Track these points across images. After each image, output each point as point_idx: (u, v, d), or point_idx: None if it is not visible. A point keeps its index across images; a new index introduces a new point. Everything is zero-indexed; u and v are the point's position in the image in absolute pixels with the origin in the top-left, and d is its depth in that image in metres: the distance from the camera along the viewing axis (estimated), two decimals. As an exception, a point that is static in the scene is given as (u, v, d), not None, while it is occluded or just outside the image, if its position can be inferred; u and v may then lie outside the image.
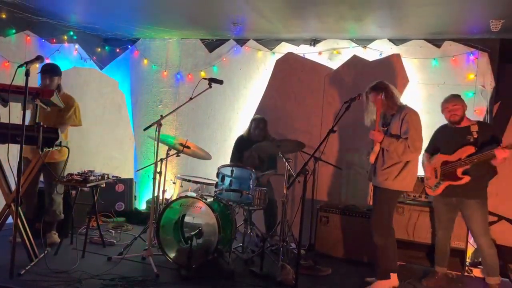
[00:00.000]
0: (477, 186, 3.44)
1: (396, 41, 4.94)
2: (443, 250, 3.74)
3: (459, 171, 3.44)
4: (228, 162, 4.85)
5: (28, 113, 3.40)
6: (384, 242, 3.37)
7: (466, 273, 4.05)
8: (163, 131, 3.85)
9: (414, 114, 3.34)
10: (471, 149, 3.40)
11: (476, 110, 4.56)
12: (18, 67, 3.05)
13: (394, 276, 3.43)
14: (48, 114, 3.82)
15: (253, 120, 4.75)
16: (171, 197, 5.34)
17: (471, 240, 4.15)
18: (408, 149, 3.23)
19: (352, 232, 4.30)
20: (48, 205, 4.07)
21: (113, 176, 4.17)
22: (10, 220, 3.35)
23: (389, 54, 4.87)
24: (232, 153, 4.82)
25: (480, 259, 4.20)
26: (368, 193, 4.68)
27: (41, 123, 3.17)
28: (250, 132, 4.70)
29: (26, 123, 3.09)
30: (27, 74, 2.97)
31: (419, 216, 4.17)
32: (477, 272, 4.04)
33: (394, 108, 3.41)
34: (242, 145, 4.70)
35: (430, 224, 4.13)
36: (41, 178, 4.17)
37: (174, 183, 4.93)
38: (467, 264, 4.13)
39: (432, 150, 3.74)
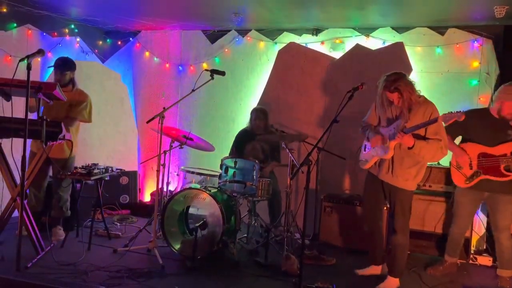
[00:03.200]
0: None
1: (399, 29, 4.89)
2: (457, 241, 3.68)
3: (503, 167, 3.31)
4: (231, 153, 4.84)
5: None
6: (405, 241, 3.28)
7: (471, 261, 4.05)
8: (166, 124, 3.85)
9: (438, 111, 3.11)
10: None
11: (481, 98, 4.53)
12: (20, 61, 3.05)
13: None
14: (59, 108, 3.84)
15: (253, 111, 4.72)
16: (175, 189, 5.37)
17: (475, 228, 4.15)
18: (440, 151, 3.05)
19: (356, 222, 4.29)
20: (55, 201, 4.08)
21: (117, 169, 4.18)
22: (16, 213, 3.38)
23: (392, 43, 4.83)
24: (232, 146, 4.76)
25: (485, 247, 4.21)
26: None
27: (45, 117, 3.18)
28: (251, 123, 4.68)
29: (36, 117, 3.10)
30: (28, 68, 2.96)
31: (427, 205, 4.16)
32: (481, 260, 4.04)
33: (414, 102, 3.12)
34: (244, 138, 4.68)
35: (436, 213, 4.12)
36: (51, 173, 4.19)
37: (177, 175, 4.94)
38: (472, 252, 4.13)
39: (458, 134, 3.53)
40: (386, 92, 3.14)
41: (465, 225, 3.66)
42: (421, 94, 3.19)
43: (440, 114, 3.13)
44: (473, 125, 3.46)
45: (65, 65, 3.97)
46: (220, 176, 4.07)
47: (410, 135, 3.05)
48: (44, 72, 5.13)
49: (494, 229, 3.50)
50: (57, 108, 3.86)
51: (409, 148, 3.07)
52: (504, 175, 3.31)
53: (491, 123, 3.42)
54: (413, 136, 3.05)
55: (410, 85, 3.10)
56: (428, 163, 3.36)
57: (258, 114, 4.63)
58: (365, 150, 3.46)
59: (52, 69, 4.03)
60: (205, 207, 3.72)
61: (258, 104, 5.25)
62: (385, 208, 3.68)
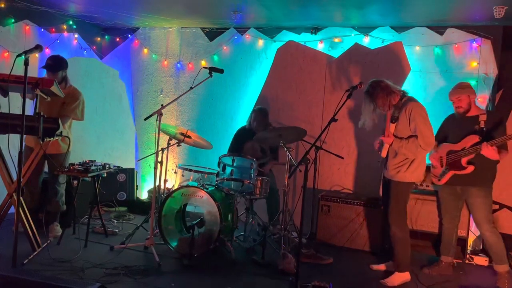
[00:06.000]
0: (481, 174, 3.43)
1: (398, 29, 4.89)
2: (448, 239, 3.75)
3: (464, 160, 3.44)
4: (229, 151, 4.84)
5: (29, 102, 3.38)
6: (402, 235, 3.39)
7: (467, 261, 4.06)
8: (163, 121, 3.84)
9: (420, 108, 3.32)
10: (475, 138, 3.38)
11: (479, 98, 4.53)
12: (17, 56, 3.03)
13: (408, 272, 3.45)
14: (52, 105, 3.81)
15: (253, 111, 4.74)
16: (173, 186, 5.35)
17: (472, 228, 4.16)
18: (420, 148, 3.26)
19: (353, 221, 4.30)
20: (51, 196, 4.08)
21: (114, 166, 4.17)
22: (12, 209, 3.36)
23: (391, 42, 4.83)
24: (231, 143, 4.80)
25: (481, 247, 4.22)
26: (369, 182, 4.66)
27: (42, 113, 3.17)
28: (250, 123, 4.68)
29: (31, 113, 3.08)
30: (26, 63, 2.94)
31: (422, 205, 4.18)
32: (478, 260, 4.05)
33: (397, 103, 3.39)
34: (243, 136, 4.69)
35: (433, 212, 4.13)
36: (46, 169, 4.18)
37: (175, 172, 4.94)
38: (468, 252, 4.14)
39: (441, 138, 3.71)
40: (364, 96, 3.44)
41: (452, 220, 3.72)
42: (407, 95, 3.44)
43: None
44: (446, 127, 3.74)
45: (56, 65, 3.92)
46: (217, 174, 4.07)
47: (390, 136, 3.38)
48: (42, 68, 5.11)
49: (476, 225, 3.61)
50: (50, 105, 3.77)
51: (390, 145, 3.39)
52: (465, 167, 3.44)
53: (459, 122, 3.59)
54: (397, 136, 3.36)
55: (385, 84, 3.38)
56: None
57: (257, 115, 4.62)
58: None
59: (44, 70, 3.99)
60: (203, 205, 3.72)
61: (257, 102, 5.24)
62: None
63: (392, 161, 3.40)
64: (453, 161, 3.51)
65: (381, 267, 3.72)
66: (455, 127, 3.61)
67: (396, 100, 3.38)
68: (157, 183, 3.88)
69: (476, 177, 3.44)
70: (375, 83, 3.42)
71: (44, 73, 4.00)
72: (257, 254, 3.85)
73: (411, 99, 3.40)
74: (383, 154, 3.47)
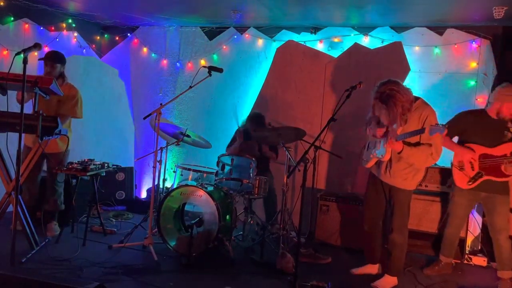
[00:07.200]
0: (509, 182, 3.35)
1: (398, 29, 4.89)
2: (451, 241, 3.70)
3: (504, 168, 3.32)
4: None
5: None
6: (403, 241, 3.31)
7: (465, 261, 4.06)
8: (162, 120, 3.84)
9: (435, 116, 3.11)
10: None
11: (478, 98, 4.54)
12: (16, 54, 3.02)
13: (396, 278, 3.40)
14: (49, 103, 3.79)
15: (247, 120, 4.63)
16: (172, 185, 5.35)
17: (470, 228, 4.16)
18: (431, 157, 3.09)
19: (352, 221, 4.30)
20: (49, 195, 4.07)
21: (113, 165, 4.17)
22: (11, 208, 3.36)
23: (390, 42, 4.83)
24: (229, 143, 4.77)
25: (480, 247, 4.22)
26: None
27: (41, 112, 3.16)
28: (247, 129, 4.64)
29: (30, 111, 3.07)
30: (25, 61, 2.93)
31: (420, 205, 4.17)
32: (476, 260, 4.06)
33: (408, 108, 3.06)
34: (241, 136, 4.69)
35: (431, 212, 4.13)
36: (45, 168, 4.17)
37: (174, 171, 4.93)
38: (467, 252, 4.14)
39: (456, 134, 3.54)
40: (378, 101, 3.09)
41: (460, 225, 3.69)
42: (418, 96, 3.19)
43: (437, 114, 3.16)
44: (470, 126, 3.49)
45: (55, 58, 3.93)
46: (216, 173, 4.07)
47: (400, 142, 3.07)
48: (40, 66, 5.10)
49: (491, 230, 3.50)
50: (46, 103, 3.75)
51: (398, 153, 3.11)
52: (505, 175, 3.33)
53: (489, 124, 3.42)
54: (405, 142, 3.08)
55: (402, 93, 3.02)
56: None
57: (253, 124, 4.49)
58: (367, 150, 3.49)
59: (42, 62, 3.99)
60: (201, 204, 3.72)
61: (256, 101, 5.24)
62: (384, 207, 3.67)
63: (397, 166, 3.20)
64: (490, 166, 3.36)
65: (361, 270, 3.60)
66: (486, 129, 3.41)
67: (409, 105, 3.09)
68: (156, 182, 3.88)
69: (506, 185, 3.36)
70: (393, 84, 3.04)
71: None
72: (256, 254, 3.85)
73: (425, 103, 3.17)
74: (386, 158, 3.22)
